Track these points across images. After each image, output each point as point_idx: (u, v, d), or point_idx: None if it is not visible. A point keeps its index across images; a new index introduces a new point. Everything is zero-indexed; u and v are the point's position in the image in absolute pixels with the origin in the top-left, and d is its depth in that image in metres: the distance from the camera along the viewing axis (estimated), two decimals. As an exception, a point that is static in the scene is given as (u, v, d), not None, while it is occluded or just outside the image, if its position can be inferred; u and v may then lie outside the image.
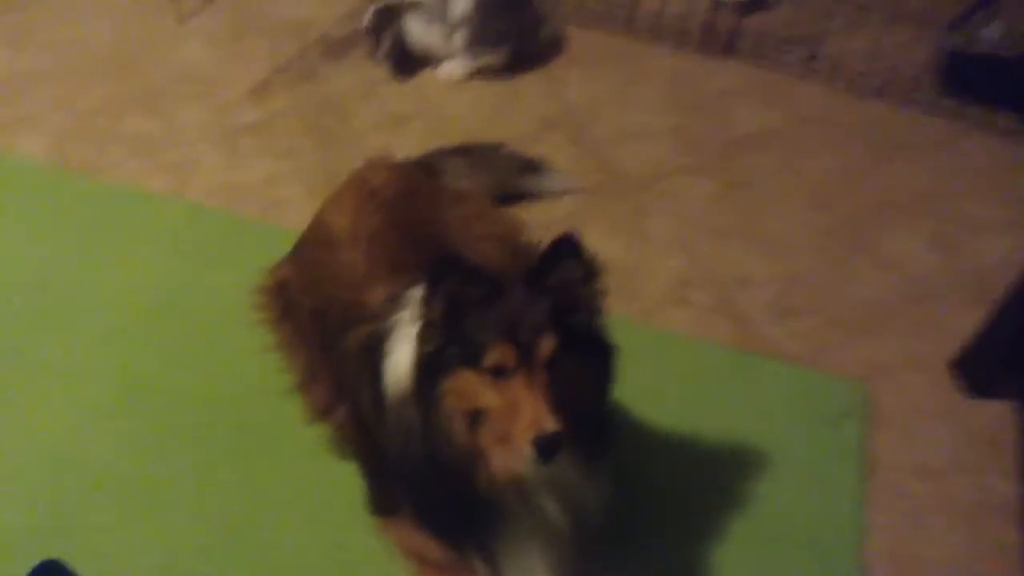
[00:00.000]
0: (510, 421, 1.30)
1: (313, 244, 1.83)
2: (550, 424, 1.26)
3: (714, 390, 1.96)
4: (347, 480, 1.69)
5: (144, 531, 1.63)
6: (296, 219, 1.92)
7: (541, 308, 1.32)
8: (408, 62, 2.47)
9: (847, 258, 2.23)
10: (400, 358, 1.44)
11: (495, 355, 1.29)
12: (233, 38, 2.51)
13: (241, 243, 2.09)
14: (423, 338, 1.36)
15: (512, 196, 2.21)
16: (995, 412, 1.97)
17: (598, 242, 2.05)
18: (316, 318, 1.76)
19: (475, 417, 1.33)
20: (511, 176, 2.22)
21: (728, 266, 2.19)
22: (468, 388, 1.32)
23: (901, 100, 2.57)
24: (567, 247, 1.34)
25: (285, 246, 1.88)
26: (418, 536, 1.55)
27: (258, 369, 1.86)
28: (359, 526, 1.63)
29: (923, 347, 2.07)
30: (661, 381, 1.95)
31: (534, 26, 2.52)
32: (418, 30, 2.43)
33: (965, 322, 2.01)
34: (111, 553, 1.61)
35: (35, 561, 1.54)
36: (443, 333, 1.33)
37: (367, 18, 2.45)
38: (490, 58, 2.48)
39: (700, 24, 2.65)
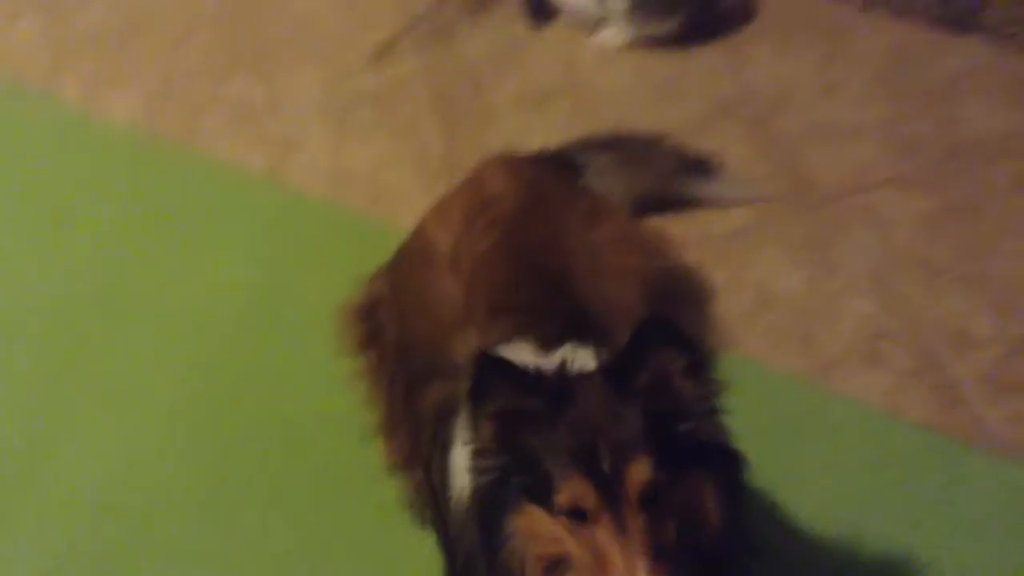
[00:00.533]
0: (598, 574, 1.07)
1: (411, 260, 1.65)
2: None
3: (905, 484, 1.63)
4: (422, 548, 1.52)
5: (203, 554, 1.58)
6: (408, 216, 1.73)
7: (629, 419, 1.07)
8: (545, 10, 2.26)
9: (1105, 318, 1.85)
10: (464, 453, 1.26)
11: (567, 495, 1.05)
12: (359, -11, 2.39)
13: (340, 241, 1.98)
14: (477, 468, 1.16)
15: (670, 202, 1.94)
16: None
17: (772, 271, 1.91)
18: (401, 354, 1.57)
19: (555, 564, 1.10)
20: (671, 178, 1.97)
21: (940, 317, 1.86)
22: (540, 532, 1.09)
23: None
24: (660, 332, 1.09)
25: (389, 250, 1.69)
26: None
27: (339, 398, 1.70)
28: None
29: None
30: (835, 465, 1.64)
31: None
32: None
33: None
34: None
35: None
36: (501, 460, 1.13)
37: None
38: (658, 25, 2.19)
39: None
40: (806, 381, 1.78)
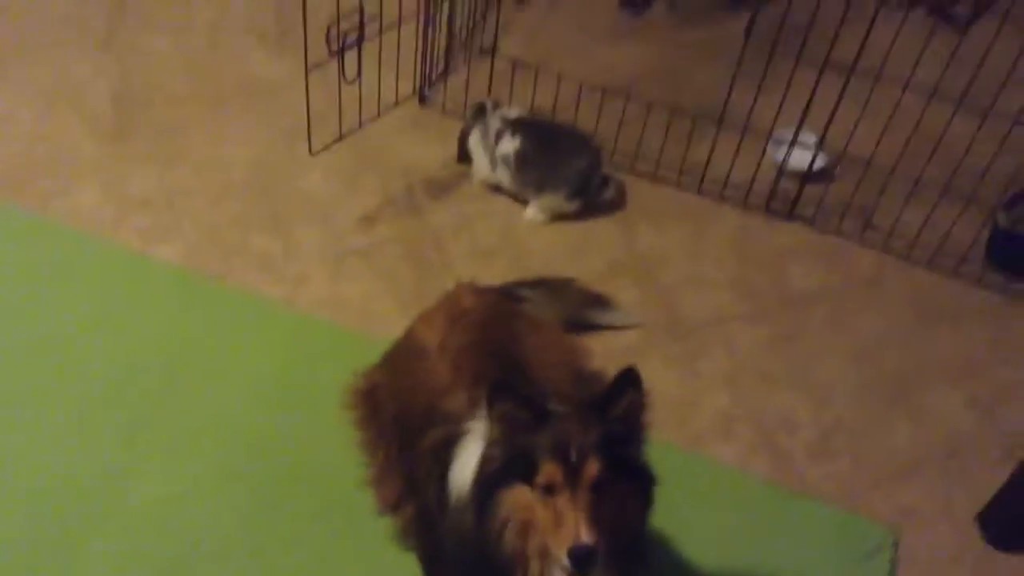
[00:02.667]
0: (552, 533, 1.44)
1: (403, 354, 2.05)
2: (586, 536, 1.39)
3: (751, 521, 2.12)
4: (406, 569, 1.90)
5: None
6: (390, 332, 2.16)
7: (592, 434, 1.46)
8: (465, 157, 2.88)
9: (886, 410, 2.39)
10: (466, 463, 1.61)
11: (547, 472, 1.44)
12: (352, 173, 2.84)
13: (339, 348, 2.34)
14: (486, 457, 1.53)
15: (580, 326, 2.43)
16: (1016, 566, 2.10)
17: (654, 374, 2.38)
18: (398, 420, 1.97)
19: (524, 528, 1.49)
20: (580, 308, 2.45)
21: (773, 407, 2.36)
22: (521, 501, 1.47)
23: (950, 271, 2.76)
24: (631, 379, 1.50)
25: (377, 354, 2.13)
26: None
27: (342, 461, 2.09)
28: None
29: (953, 498, 2.21)
30: (701, 508, 2.12)
31: (595, 177, 2.78)
32: (475, 145, 2.81)
33: (996, 480, 2.14)
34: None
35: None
36: (503, 453, 1.50)
37: (467, 113, 2.88)
38: (555, 202, 2.75)
39: (765, 190, 2.89)
40: (679, 448, 2.22)
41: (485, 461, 1.53)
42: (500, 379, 1.55)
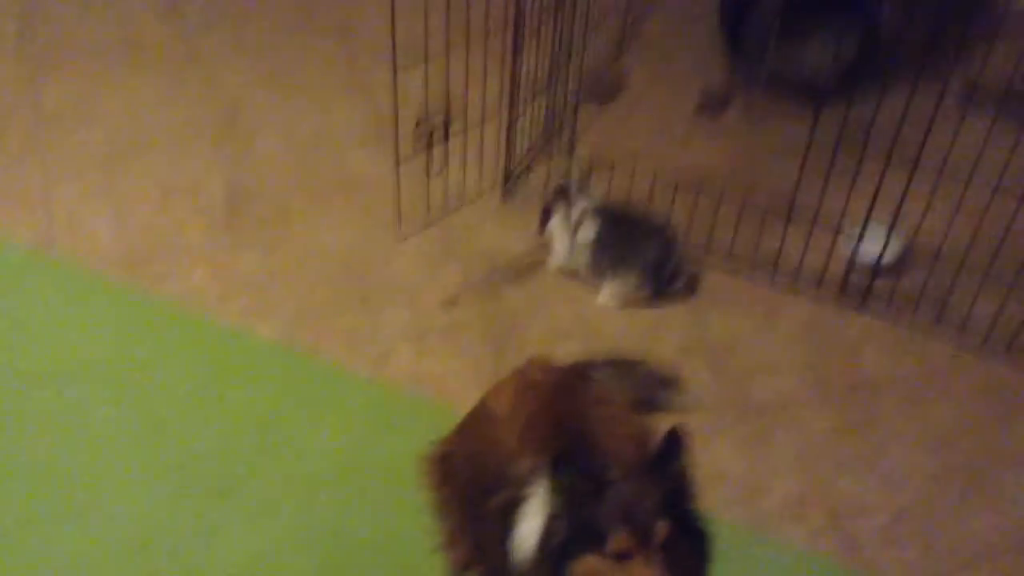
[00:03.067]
0: None
1: (476, 422, 2.14)
2: None
3: None
4: None
5: None
6: (467, 406, 2.23)
7: (655, 496, 1.53)
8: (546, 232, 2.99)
9: (959, 498, 2.38)
10: (528, 528, 1.67)
11: (619, 540, 1.49)
12: (436, 260, 3.02)
13: (419, 420, 2.46)
14: (550, 529, 1.58)
15: (649, 406, 2.47)
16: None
17: (722, 457, 2.45)
18: (470, 484, 2.04)
19: None
20: (649, 388, 2.50)
21: (843, 492, 2.38)
22: (593, 570, 1.52)
23: (1025, 364, 2.75)
24: (679, 439, 1.58)
25: (453, 423, 2.22)
26: None
27: (416, 526, 2.20)
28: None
29: (1029, 590, 2.18)
30: None
31: (668, 266, 2.89)
32: (556, 228, 2.94)
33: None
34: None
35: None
36: (568, 524, 1.55)
37: (550, 193, 3.01)
38: (626, 288, 2.87)
39: (837, 280, 2.96)
40: (748, 528, 2.26)
41: (549, 534, 1.59)
42: (559, 452, 1.61)
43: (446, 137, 2.66)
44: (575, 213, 2.91)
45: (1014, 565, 2.23)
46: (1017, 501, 2.38)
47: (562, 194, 2.96)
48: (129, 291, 2.86)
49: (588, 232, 2.88)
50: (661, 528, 1.50)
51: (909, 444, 2.52)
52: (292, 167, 3.43)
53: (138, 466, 2.34)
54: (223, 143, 3.51)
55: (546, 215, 2.98)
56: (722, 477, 2.39)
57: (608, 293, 2.90)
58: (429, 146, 2.60)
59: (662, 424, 2.36)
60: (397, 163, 2.57)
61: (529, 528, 1.68)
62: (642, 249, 2.86)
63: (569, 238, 2.91)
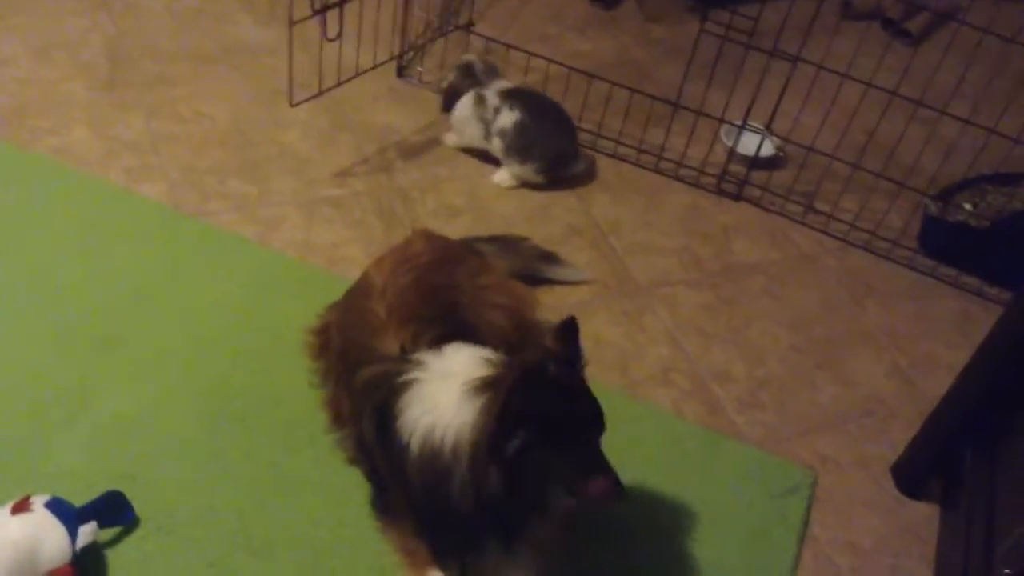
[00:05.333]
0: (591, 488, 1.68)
1: (354, 294, 2.16)
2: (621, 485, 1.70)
3: (680, 459, 2.27)
4: (359, 479, 2.05)
5: (193, 490, 2.01)
6: (354, 275, 2.29)
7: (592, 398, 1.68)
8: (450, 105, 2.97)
9: (813, 371, 2.57)
10: (418, 418, 1.71)
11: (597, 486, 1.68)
12: (329, 133, 3.00)
13: (306, 286, 2.48)
14: (498, 433, 1.59)
15: (532, 279, 2.58)
16: (923, 511, 2.28)
17: (601, 327, 2.54)
18: (341, 355, 2.07)
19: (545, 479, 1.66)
20: (532, 262, 2.60)
21: (709, 362, 2.54)
22: (549, 467, 1.63)
23: (884, 254, 2.97)
24: (574, 326, 1.70)
25: (339, 293, 2.26)
26: (410, 539, 1.86)
27: (301, 384, 2.24)
28: (366, 513, 2.00)
29: (870, 451, 2.39)
30: (636, 446, 2.26)
31: (570, 154, 2.97)
32: (466, 111, 2.93)
33: (911, 437, 2.31)
34: (163, 499, 1.98)
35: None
36: (527, 434, 1.59)
37: (449, 76, 2.97)
38: (528, 172, 2.92)
39: (716, 171, 3.10)
40: (620, 393, 2.38)
41: (499, 437, 1.59)
42: (525, 368, 1.64)
43: (342, 3, 2.63)
44: (490, 96, 2.90)
45: (855, 431, 2.44)
46: (864, 376, 2.60)
47: (469, 75, 2.94)
48: (5, 146, 2.75)
49: (509, 116, 2.87)
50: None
51: (772, 322, 2.70)
52: (178, 30, 3.33)
53: (18, 320, 2.29)
54: (104, 2, 3.36)
55: (452, 95, 2.96)
56: (600, 346, 2.51)
57: (508, 174, 2.95)
58: (323, 10, 2.57)
59: (544, 296, 2.56)
60: (290, 23, 2.52)
61: (415, 417, 1.72)
62: (552, 135, 2.91)
63: (481, 120, 2.91)
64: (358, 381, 1.91)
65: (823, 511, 2.24)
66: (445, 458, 1.67)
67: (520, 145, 2.88)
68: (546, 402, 1.60)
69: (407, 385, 1.77)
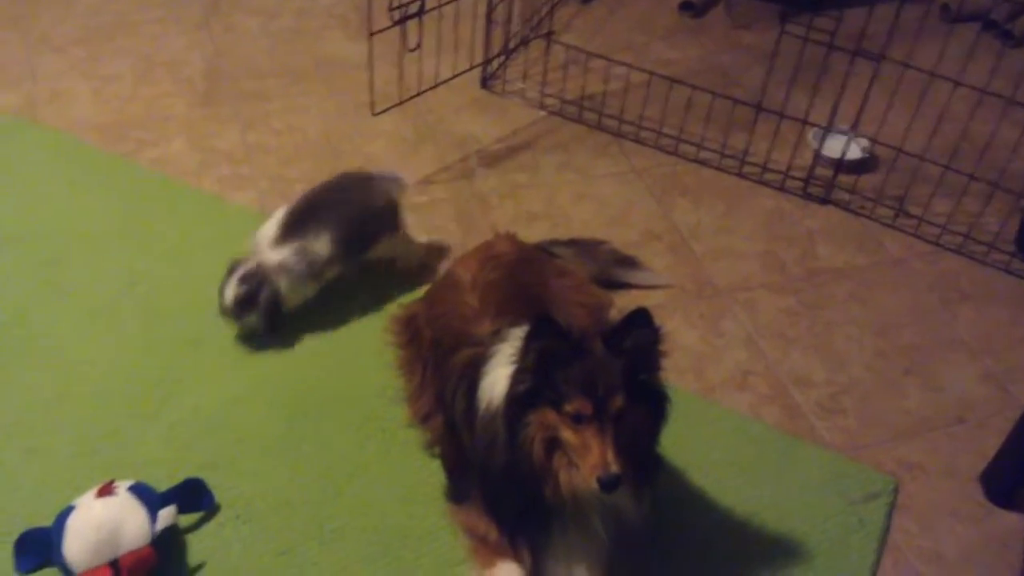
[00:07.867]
0: (581, 456, 1.62)
1: (441, 288, 2.27)
2: (614, 468, 1.58)
3: (759, 464, 2.24)
4: (431, 474, 2.11)
5: (269, 481, 2.09)
6: (430, 279, 2.42)
7: (615, 369, 1.62)
8: (281, 319, 2.41)
9: (899, 378, 2.49)
10: (494, 380, 1.79)
11: (575, 405, 1.61)
12: (412, 142, 3.08)
13: (382, 289, 2.57)
14: (517, 379, 1.68)
15: (610, 283, 2.58)
16: (1012, 521, 2.18)
17: (677, 330, 2.55)
18: (433, 344, 2.17)
19: (551, 442, 1.67)
20: (610, 266, 2.61)
21: (789, 366, 2.49)
22: (549, 423, 1.65)
23: (979, 258, 2.86)
24: (641, 317, 1.65)
25: (418, 293, 2.38)
26: (481, 521, 1.89)
27: (383, 379, 2.31)
28: (436, 507, 2.04)
29: (958, 458, 2.30)
30: (713, 450, 2.24)
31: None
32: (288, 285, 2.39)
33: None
34: (241, 489, 2.06)
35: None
36: (533, 378, 1.65)
37: (231, 291, 2.31)
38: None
39: (801, 175, 3.03)
40: (696, 396, 2.35)
41: (515, 383, 1.69)
42: (544, 315, 1.67)
43: (420, 12, 2.70)
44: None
45: (943, 438, 2.35)
46: (954, 382, 2.50)
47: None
48: (110, 157, 2.91)
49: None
50: (616, 400, 1.61)
51: (857, 327, 2.62)
52: (272, 47, 3.47)
53: (110, 318, 2.42)
54: (205, 23, 3.53)
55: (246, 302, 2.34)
56: (676, 348, 2.48)
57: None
58: (403, 20, 2.64)
59: (621, 299, 2.55)
60: (370, 34, 2.61)
61: (491, 380, 1.80)
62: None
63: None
64: (456, 363, 1.99)
65: (907, 519, 2.16)
66: (495, 417, 1.75)
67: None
68: (554, 353, 1.63)
69: (490, 357, 1.85)
